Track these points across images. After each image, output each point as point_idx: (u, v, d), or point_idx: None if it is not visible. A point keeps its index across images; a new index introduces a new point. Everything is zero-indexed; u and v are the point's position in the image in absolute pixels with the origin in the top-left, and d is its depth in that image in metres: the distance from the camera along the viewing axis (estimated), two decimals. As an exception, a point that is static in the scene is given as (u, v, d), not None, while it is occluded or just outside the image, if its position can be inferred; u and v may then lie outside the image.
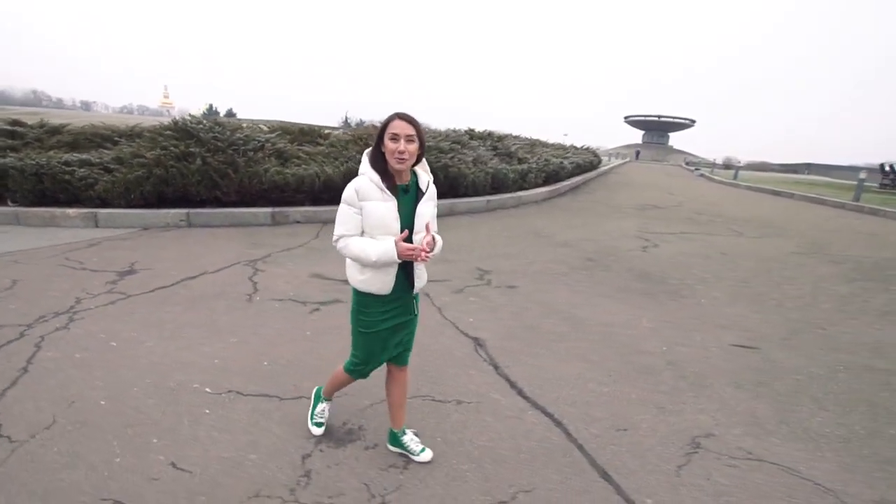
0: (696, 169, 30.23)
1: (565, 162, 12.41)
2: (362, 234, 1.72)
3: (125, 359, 2.66)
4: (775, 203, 13.66)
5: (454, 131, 10.11)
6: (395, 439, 2.00)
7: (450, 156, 7.99)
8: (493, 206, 8.63)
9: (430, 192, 1.79)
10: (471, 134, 10.57)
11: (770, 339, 3.44)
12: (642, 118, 69.93)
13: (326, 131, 9.29)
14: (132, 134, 7.17)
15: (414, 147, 1.68)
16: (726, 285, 4.69)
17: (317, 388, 2.20)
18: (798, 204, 13.88)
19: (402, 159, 1.66)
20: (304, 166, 6.79)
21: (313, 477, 1.83)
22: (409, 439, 2.00)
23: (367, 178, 1.70)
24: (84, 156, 6.47)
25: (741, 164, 27.19)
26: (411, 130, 1.66)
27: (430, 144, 7.98)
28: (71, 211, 5.92)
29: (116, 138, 7.13)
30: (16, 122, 7.40)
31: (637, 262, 5.36)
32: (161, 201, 6.35)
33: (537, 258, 5.26)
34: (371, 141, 1.83)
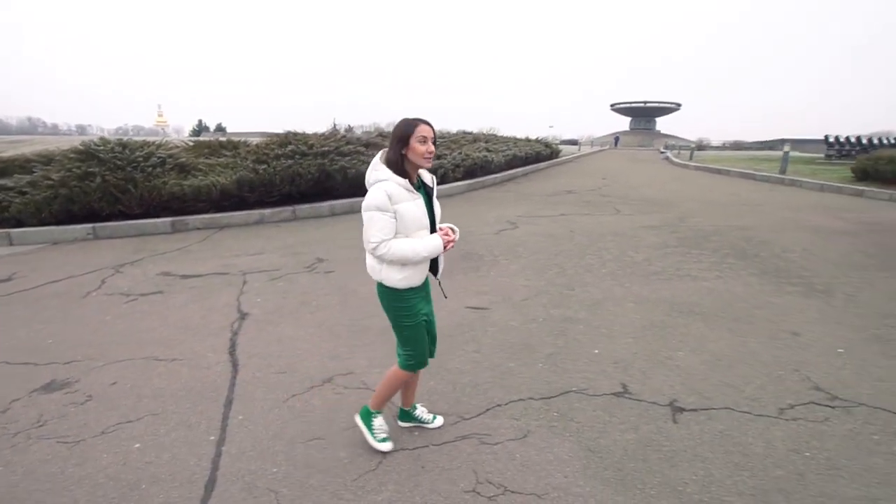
0: (663, 152, 30.53)
1: (494, 156, 12.97)
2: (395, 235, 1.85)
3: (-62, 344, 3.36)
4: (706, 181, 14.09)
5: (369, 133, 10.75)
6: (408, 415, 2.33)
7: (348, 158, 8.63)
8: (398, 203, 9.26)
9: (435, 187, 2.01)
10: (385, 134, 11.19)
11: (511, 300, 4.04)
12: (628, 105, 70.06)
13: (252, 140, 9.97)
14: (48, 159, 7.89)
15: (434, 148, 1.88)
16: (533, 259, 5.28)
17: (361, 411, 2.23)
18: (729, 180, 14.30)
19: (431, 158, 1.86)
20: (200, 177, 7.49)
21: (14, 408, 2.50)
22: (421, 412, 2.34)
23: (392, 183, 1.80)
24: (2, 181, 7.23)
25: (714, 145, 27.48)
26: (433, 133, 1.86)
27: (329, 149, 8.63)
28: (-13, 231, 6.66)
29: (35, 162, 7.87)
30: (-51, 155, 8.17)
31: (476, 244, 5.96)
32: (71, 218, 7.08)
33: (384, 247, 5.89)
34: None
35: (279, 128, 9.82)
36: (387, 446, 2.16)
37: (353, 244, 6.03)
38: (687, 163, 20.41)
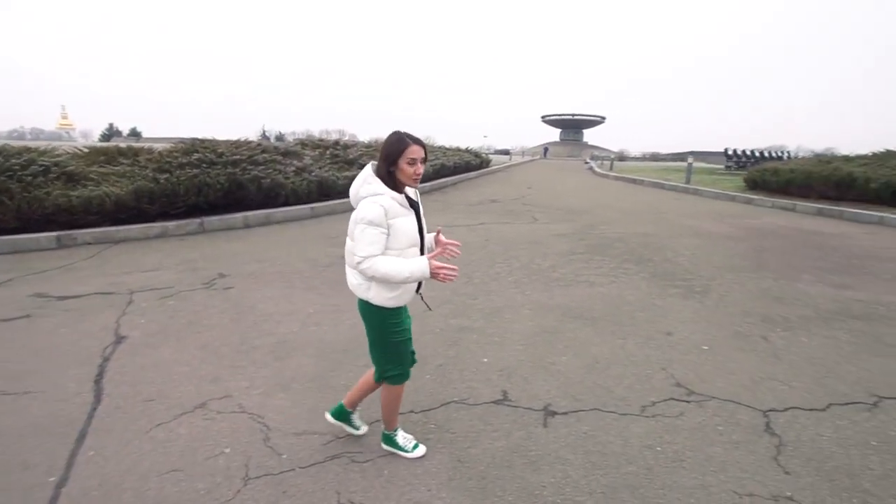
0: (588, 163, 32.33)
1: (422, 164, 13.04)
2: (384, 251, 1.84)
3: None
4: (622, 190, 15.04)
5: (291, 142, 10.44)
6: (342, 414, 2.29)
7: (262, 167, 8.31)
8: (319, 213, 9.03)
9: (420, 201, 2.01)
10: (311, 144, 10.95)
11: (411, 311, 4.03)
12: (557, 117, 73.74)
13: (157, 147, 9.32)
14: None
15: (423, 167, 1.87)
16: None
17: (382, 437, 2.24)
18: (643, 189, 15.37)
19: (418, 179, 1.87)
20: (91, 187, 6.88)
21: None
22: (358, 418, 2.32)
23: (388, 198, 1.81)
24: None
25: (634, 156, 29.37)
26: (424, 153, 1.84)
27: (241, 158, 8.26)
28: None
29: None
30: None
31: (390, 255, 5.93)
32: (-68, 234, 6.24)
33: (292, 260, 5.70)
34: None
35: (205, 133, 9.25)
36: (420, 451, 2.20)
37: (263, 257, 5.80)
38: (607, 173, 21.71)
